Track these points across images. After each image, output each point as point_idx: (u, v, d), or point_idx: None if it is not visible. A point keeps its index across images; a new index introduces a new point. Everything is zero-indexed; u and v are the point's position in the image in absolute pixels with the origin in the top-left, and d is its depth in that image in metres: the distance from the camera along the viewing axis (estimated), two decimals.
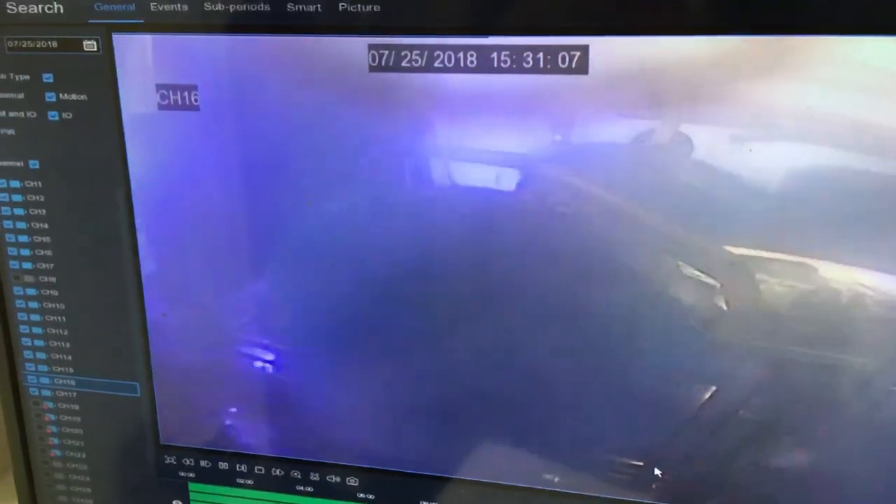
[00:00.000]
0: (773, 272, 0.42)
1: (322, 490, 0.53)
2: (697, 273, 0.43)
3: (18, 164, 0.51)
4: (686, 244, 0.43)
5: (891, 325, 0.41)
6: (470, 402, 0.48)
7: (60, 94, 0.49)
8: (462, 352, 0.47)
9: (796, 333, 0.42)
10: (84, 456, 0.56)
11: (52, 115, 0.49)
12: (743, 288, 0.42)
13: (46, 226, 0.52)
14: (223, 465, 0.54)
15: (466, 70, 0.43)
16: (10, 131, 0.50)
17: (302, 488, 0.53)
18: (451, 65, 0.43)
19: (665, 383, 0.45)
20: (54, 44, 0.48)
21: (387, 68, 0.44)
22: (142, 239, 0.50)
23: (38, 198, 0.51)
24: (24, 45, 0.48)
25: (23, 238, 0.52)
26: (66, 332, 0.54)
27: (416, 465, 0.51)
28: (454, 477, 0.50)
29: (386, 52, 0.44)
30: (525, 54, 0.42)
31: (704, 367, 0.44)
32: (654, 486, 0.47)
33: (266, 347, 0.51)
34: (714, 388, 0.44)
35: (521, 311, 0.46)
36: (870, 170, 0.40)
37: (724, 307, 0.43)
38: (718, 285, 0.43)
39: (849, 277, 0.41)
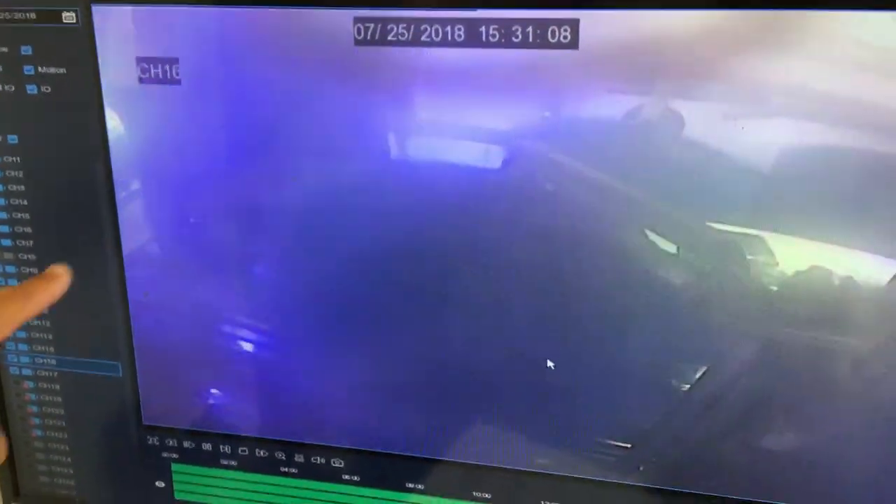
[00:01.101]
0: (765, 251, 0.41)
1: (307, 471, 0.52)
2: (688, 252, 0.42)
3: None
4: (677, 222, 0.42)
5: (881, 305, 0.41)
6: (457, 382, 0.48)
7: (39, 67, 0.48)
8: (449, 331, 0.47)
9: (788, 314, 0.42)
10: (66, 436, 0.55)
11: (31, 89, 0.48)
12: (734, 267, 0.42)
13: (25, 202, 0.51)
14: (207, 446, 0.53)
15: (454, 44, 0.42)
16: None
17: (286, 469, 0.52)
18: (438, 38, 0.42)
19: (655, 363, 0.44)
20: (32, 15, 0.47)
21: (372, 42, 0.43)
22: (123, 216, 0.49)
23: (16, 173, 0.50)
24: (1, 17, 0.47)
25: (2, 214, 0.51)
26: (46, 311, 0.53)
27: (402, 446, 0.50)
28: (440, 458, 0.49)
29: (372, 25, 0.43)
30: (514, 28, 0.41)
31: (695, 347, 0.44)
32: (641, 469, 0.46)
33: (250, 327, 0.50)
34: (704, 369, 0.44)
35: (508, 289, 0.45)
36: (863, 147, 0.39)
37: (715, 287, 0.42)
38: (709, 265, 0.42)
39: (840, 257, 0.41)
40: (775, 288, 0.42)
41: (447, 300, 0.46)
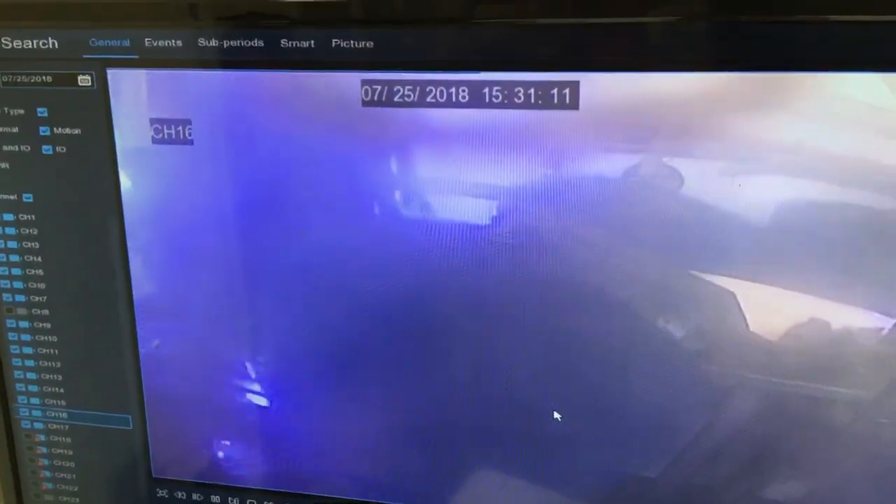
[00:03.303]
0: (764, 305, 0.42)
1: None
2: (687, 305, 0.43)
3: (12, 197, 0.51)
4: (676, 276, 0.43)
5: (880, 357, 0.42)
6: (462, 434, 0.48)
7: (54, 128, 0.49)
8: (454, 385, 0.47)
9: (786, 366, 0.43)
10: (76, 489, 0.56)
11: (47, 149, 0.49)
12: (733, 320, 0.43)
13: (39, 259, 0.52)
14: (215, 499, 0.54)
15: (458, 105, 0.44)
16: (5, 165, 0.50)
17: None
18: (443, 100, 0.44)
19: (656, 416, 0.45)
20: (49, 78, 0.48)
21: (380, 103, 0.45)
22: (135, 271, 0.51)
23: (31, 231, 0.51)
24: (18, 80, 0.49)
25: (16, 271, 0.52)
26: (58, 365, 0.53)
27: (410, 497, 0.50)
28: None
29: (379, 87, 0.44)
30: (517, 90, 0.43)
31: (695, 399, 0.44)
32: None
33: (259, 379, 0.51)
34: (705, 421, 0.44)
35: (512, 343, 0.46)
36: (858, 204, 0.40)
37: (715, 340, 0.43)
38: (707, 317, 0.43)
39: (838, 310, 0.41)
40: (774, 340, 0.42)
41: (452, 354, 0.47)
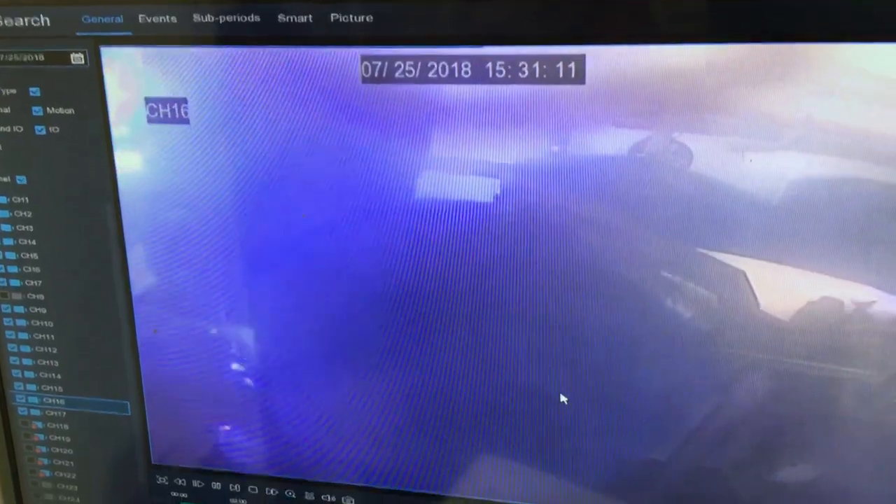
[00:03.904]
0: (775, 283, 0.41)
1: None
2: (696, 285, 0.42)
3: (5, 179, 0.50)
4: (685, 255, 0.42)
5: (892, 336, 0.41)
6: (468, 417, 0.48)
7: (47, 108, 0.48)
8: (459, 368, 0.47)
9: (798, 346, 0.42)
10: (74, 476, 0.55)
11: (39, 130, 0.48)
12: (743, 300, 0.42)
13: (34, 242, 0.51)
14: (216, 485, 0.53)
15: (461, 81, 0.42)
16: None
17: None
18: (445, 75, 0.43)
19: (666, 397, 0.44)
20: (41, 57, 0.47)
21: (380, 79, 0.43)
22: (131, 254, 0.50)
23: (25, 214, 0.50)
24: (10, 59, 0.48)
25: (10, 255, 0.51)
26: (54, 351, 0.53)
27: (413, 482, 0.50)
28: (451, 495, 0.49)
29: (379, 63, 0.43)
30: (521, 64, 0.42)
31: (706, 380, 0.43)
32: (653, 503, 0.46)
33: (259, 364, 0.50)
34: (714, 403, 0.43)
35: (517, 324, 0.45)
36: (870, 179, 0.39)
37: (724, 319, 0.42)
38: (717, 297, 0.42)
39: (850, 289, 0.41)
40: (786, 319, 0.41)
41: (456, 336, 0.46)
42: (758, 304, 0.42)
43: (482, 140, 0.43)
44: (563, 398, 0.45)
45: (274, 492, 0.52)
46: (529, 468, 0.48)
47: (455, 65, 0.42)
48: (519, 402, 0.46)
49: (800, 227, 0.40)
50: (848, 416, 0.42)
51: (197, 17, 0.44)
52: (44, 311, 0.52)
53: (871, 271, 0.40)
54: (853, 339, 0.41)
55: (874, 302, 0.40)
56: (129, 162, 0.48)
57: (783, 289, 0.41)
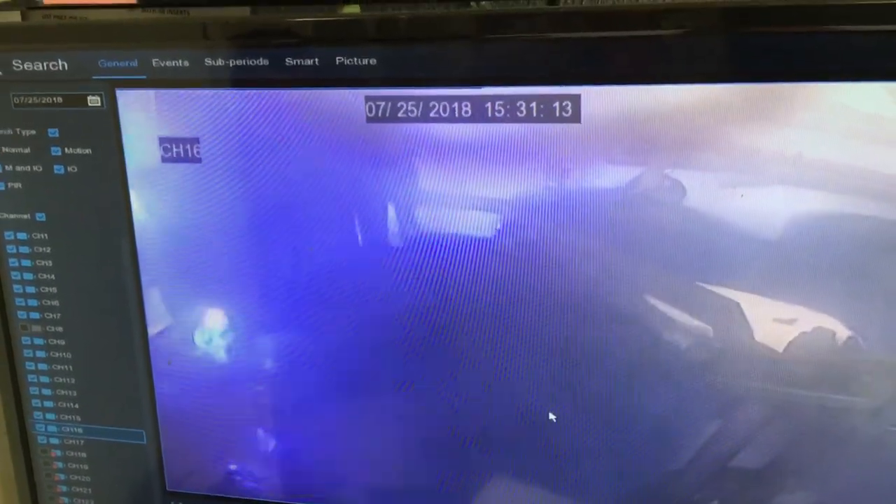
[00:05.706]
0: (768, 315, 0.42)
1: None
2: (692, 318, 0.43)
3: (25, 216, 0.52)
4: (680, 287, 0.43)
5: (885, 366, 0.42)
6: (470, 443, 0.49)
7: (65, 149, 0.50)
8: (463, 395, 0.48)
9: (792, 376, 0.43)
10: (92, 503, 0.57)
11: (58, 169, 0.50)
12: (737, 330, 0.43)
13: (53, 276, 0.52)
14: None
15: (461, 120, 0.44)
16: (17, 185, 0.51)
17: None
18: (446, 115, 0.44)
19: (663, 427, 0.45)
20: (59, 99, 0.49)
21: (384, 119, 0.45)
22: (146, 288, 0.51)
23: (44, 249, 0.52)
24: (29, 101, 0.50)
25: (30, 289, 0.53)
26: (73, 381, 0.54)
27: None
28: None
29: (383, 103, 0.45)
30: (519, 104, 0.43)
31: (702, 410, 0.44)
32: None
33: (270, 393, 0.51)
34: (710, 431, 0.44)
35: (519, 357, 0.46)
36: (859, 213, 0.40)
37: (719, 350, 0.43)
38: (712, 329, 0.43)
39: (841, 320, 0.41)
40: (780, 350, 0.42)
41: (459, 367, 0.47)
42: (752, 335, 0.43)
43: (482, 177, 0.44)
44: (551, 416, 0.46)
45: None
46: (531, 490, 0.49)
47: (455, 105, 0.44)
48: (523, 431, 0.47)
49: (792, 259, 0.41)
50: (842, 444, 0.43)
51: (208, 61, 0.46)
52: (62, 342, 0.53)
53: (862, 302, 0.41)
54: (846, 368, 0.42)
55: (865, 332, 0.41)
56: (144, 199, 0.50)
57: (777, 320, 0.42)
